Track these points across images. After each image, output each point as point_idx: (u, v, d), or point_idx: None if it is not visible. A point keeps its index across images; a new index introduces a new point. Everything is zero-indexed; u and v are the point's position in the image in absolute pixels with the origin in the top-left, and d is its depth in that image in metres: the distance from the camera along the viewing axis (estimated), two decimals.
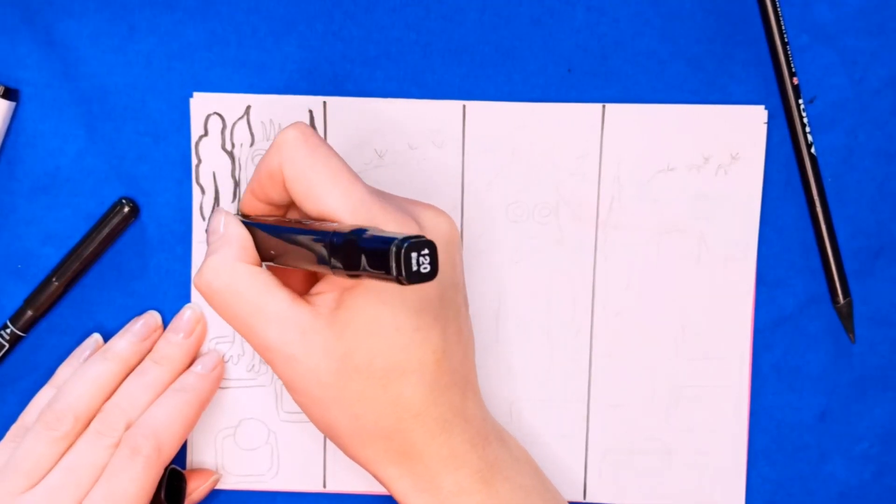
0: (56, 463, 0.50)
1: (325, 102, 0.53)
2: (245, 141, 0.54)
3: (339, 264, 0.42)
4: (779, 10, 0.52)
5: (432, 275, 0.40)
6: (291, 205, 0.49)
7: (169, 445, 0.50)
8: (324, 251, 0.43)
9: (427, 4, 0.53)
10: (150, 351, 0.53)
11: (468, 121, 0.54)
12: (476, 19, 0.53)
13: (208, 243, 0.49)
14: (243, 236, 0.48)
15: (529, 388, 0.55)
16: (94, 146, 0.54)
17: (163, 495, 0.51)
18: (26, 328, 0.54)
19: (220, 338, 0.55)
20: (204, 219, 0.54)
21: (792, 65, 0.52)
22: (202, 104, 0.53)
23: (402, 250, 0.39)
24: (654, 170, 0.54)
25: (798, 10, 0.53)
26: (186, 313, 0.54)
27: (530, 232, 0.54)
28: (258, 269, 0.47)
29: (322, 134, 0.54)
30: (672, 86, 0.54)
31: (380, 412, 0.46)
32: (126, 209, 0.53)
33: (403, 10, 0.53)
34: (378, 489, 0.55)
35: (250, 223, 0.49)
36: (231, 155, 0.54)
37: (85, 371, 0.52)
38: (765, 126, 0.54)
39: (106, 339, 0.54)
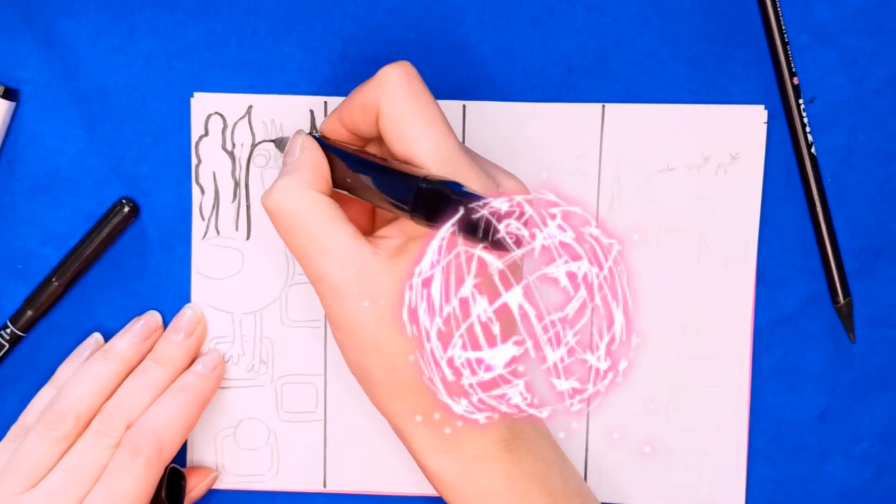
0: (57, 463, 0.50)
1: (325, 102, 0.53)
2: (245, 141, 0.54)
3: (421, 212, 0.42)
4: (779, 10, 0.52)
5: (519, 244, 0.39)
6: (374, 139, 0.49)
7: (170, 445, 0.50)
8: (407, 194, 0.42)
9: (427, 4, 0.53)
10: (150, 351, 0.53)
11: (468, 121, 0.54)
12: (476, 19, 0.53)
13: (283, 161, 0.48)
14: (320, 162, 0.47)
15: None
16: (94, 146, 0.54)
17: (163, 494, 0.51)
18: (26, 328, 0.54)
19: (221, 338, 0.55)
20: (203, 219, 0.54)
21: (792, 65, 0.52)
22: (203, 104, 0.53)
23: (497, 215, 0.39)
24: (654, 170, 0.54)
25: (798, 10, 0.53)
26: (187, 313, 0.54)
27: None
28: (327, 198, 0.46)
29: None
30: (672, 86, 0.54)
31: (418, 367, 0.45)
32: (126, 209, 0.53)
33: (403, 10, 0.53)
34: (378, 489, 0.56)
35: (330, 147, 0.48)
36: (231, 155, 0.54)
37: (85, 371, 0.52)
38: (765, 126, 0.54)
39: (106, 339, 0.54)
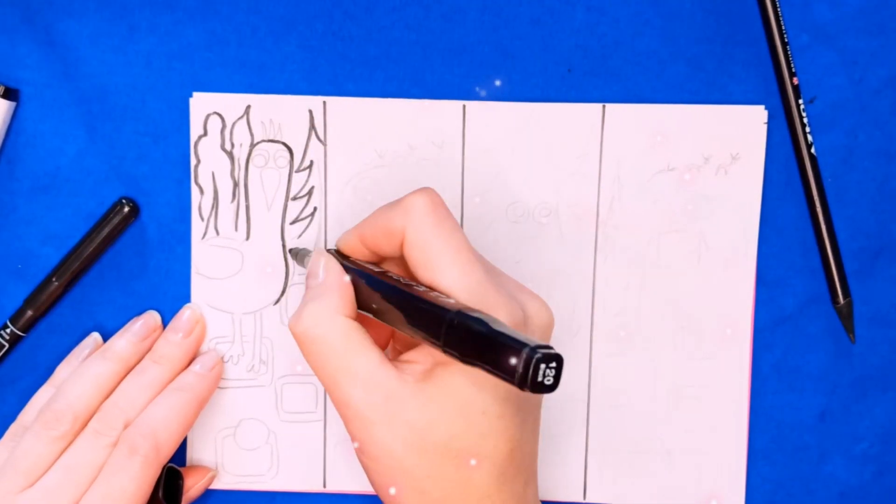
0: (54, 462, 0.50)
1: (325, 102, 0.53)
2: (245, 141, 0.54)
3: (454, 349, 0.41)
4: (779, 10, 0.52)
5: (553, 387, 0.39)
6: (393, 259, 0.49)
7: (167, 444, 0.50)
8: (439, 328, 0.42)
9: (427, 4, 0.53)
10: (149, 350, 0.53)
11: (468, 121, 0.54)
12: (476, 19, 0.53)
13: (308, 286, 0.48)
14: (346, 286, 0.47)
15: None
16: (94, 146, 0.54)
17: (160, 494, 0.51)
18: (26, 328, 0.54)
19: (220, 338, 0.55)
20: (203, 219, 0.54)
21: (792, 65, 0.52)
22: (202, 104, 0.53)
23: (535, 358, 0.38)
24: (654, 170, 0.54)
25: (798, 10, 0.53)
26: (186, 313, 0.54)
27: (530, 232, 0.54)
28: (356, 324, 0.46)
29: (322, 134, 0.54)
30: (672, 86, 0.54)
31: (447, 491, 0.45)
32: (126, 209, 0.53)
33: (403, 10, 0.53)
34: None
35: (354, 270, 0.48)
36: (230, 155, 0.54)
37: (84, 370, 0.52)
38: (765, 126, 0.54)
39: (105, 338, 0.54)
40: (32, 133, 0.54)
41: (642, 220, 0.54)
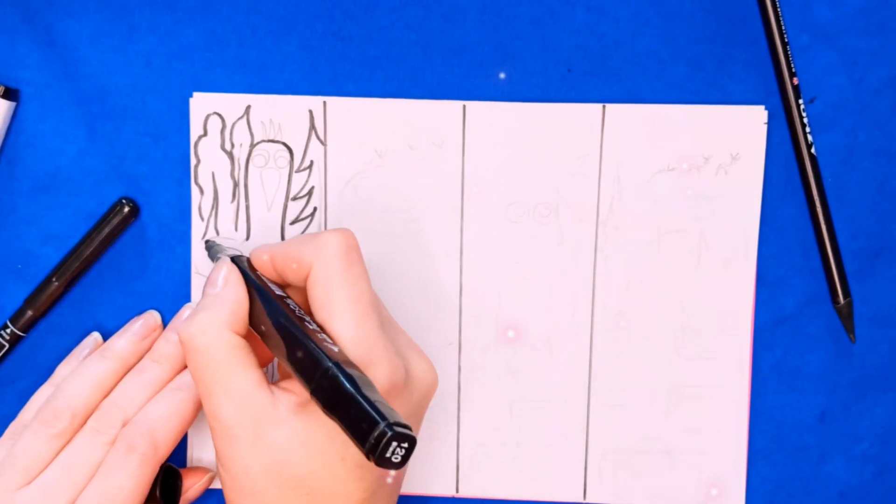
0: (53, 460, 0.50)
1: (325, 102, 0.53)
2: (245, 141, 0.54)
3: (320, 398, 0.42)
4: (779, 10, 0.52)
5: (399, 466, 0.40)
6: (296, 287, 0.49)
7: (165, 443, 0.50)
8: (314, 372, 0.43)
9: (427, 4, 0.53)
10: (149, 350, 0.53)
11: (468, 121, 0.54)
12: (476, 19, 0.53)
13: (204, 293, 0.48)
14: (241, 301, 0.47)
15: (529, 388, 0.55)
16: (94, 146, 0.54)
17: (158, 493, 0.51)
18: (26, 328, 0.54)
19: None
20: (203, 219, 0.54)
21: (792, 65, 0.52)
22: (202, 104, 0.53)
23: (387, 436, 0.40)
24: (654, 170, 0.54)
25: (798, 10, 0.53)
26: (186, 312, 0.54)
27: (530, 232, 0.54)
28: (241, 341, 0.47)
29: (322, 134, 0.54)
30: (672, 86, 0.54)
31: None
32: (126, 209, 0.53)
33: (403, 10, 0.53)
34: None
35: (255, 285, 0.48)
36: (230, 155, 0.54)
37: (83, 369, 0.52)
38: (765, 126, 0.54)
39: (105, 338, 0.54)
40: (32, 133, 0.54)
41: (642, 220, 0.54)
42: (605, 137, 0.54)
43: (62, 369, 0.54)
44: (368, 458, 0.40)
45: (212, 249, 0.52)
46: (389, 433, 0.40)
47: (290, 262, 0.48)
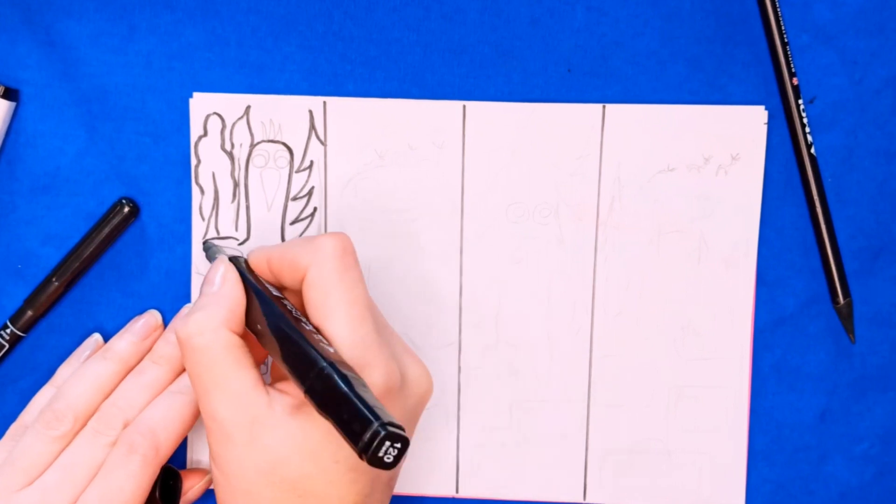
0: (53, 461, 0.50)
1: (325, 102, 0.53)
2: (245, 141, 0.54)
3: (314, 398, 0.42)
4: (779, 10, 0.52)
5: (391, 466, 0.40)
6: (292, 290, 0.49)
7: (166, 445, 0.50)
8: (308, 372, 0.43)
9: (427, 4, 0.53)
10: (150, 350, 0.53)
11: (468, 121, 0.54)
12: (476, 19, 0.53)
13: (202, 292, 0.48)
14: (238, 301, 0.47)
15: (529, 388, 0.55)
16: (94, 146, 0.54)
17: (157, 494, 0.51)
18: (26, 328, 0.54)
19: None
20: (203, 219, 0.54)
21: (792, 65, 0.52)
22: (202, 104, 0.53)
23: (380, 436, 0.40)
24: (654, 170, 0.54)
25: (798, 10, 0.53)
26: (185, 311, 0.54)
27: (530, 232, 0.54)
28: (239, 340, 0.47)
29: (322, 134, 0.54)
30: (672, 86, 0.54)
31: None
32: (126, 209, 0.53)
33: (403, 10, 0.53)
34: None
35: (252, 286, 0.48)
36: (230, 155, 0.54)
37: (84, 371, 0.52)
38: (765, 126, 0.54)
39: (106, 339, 0.54)
40: (32, 133, 0.54)
41: (642, 220, 0.54)
42: (605, 137, 0.54)
43: (63, 370, 0.54)
44: (361, 457, 0.40)
45: (210, 250, 0.52)
46: (382, 433, 0.40)
47: (285, 265, 0.48)
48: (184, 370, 0.53)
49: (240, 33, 0.53)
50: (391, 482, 0.49)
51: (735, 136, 0.54)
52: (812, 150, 0.53)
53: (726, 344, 0.55)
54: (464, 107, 0.54)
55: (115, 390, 0.52)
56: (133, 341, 0.53)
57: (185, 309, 0.54)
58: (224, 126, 0.53)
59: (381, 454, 0.40)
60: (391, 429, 0.40)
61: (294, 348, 0.44)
